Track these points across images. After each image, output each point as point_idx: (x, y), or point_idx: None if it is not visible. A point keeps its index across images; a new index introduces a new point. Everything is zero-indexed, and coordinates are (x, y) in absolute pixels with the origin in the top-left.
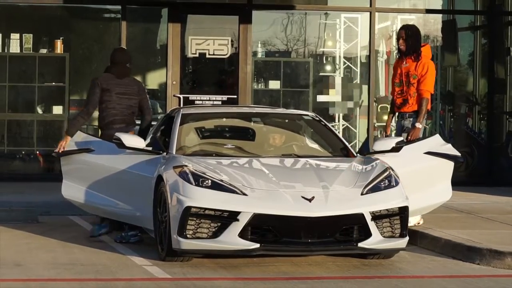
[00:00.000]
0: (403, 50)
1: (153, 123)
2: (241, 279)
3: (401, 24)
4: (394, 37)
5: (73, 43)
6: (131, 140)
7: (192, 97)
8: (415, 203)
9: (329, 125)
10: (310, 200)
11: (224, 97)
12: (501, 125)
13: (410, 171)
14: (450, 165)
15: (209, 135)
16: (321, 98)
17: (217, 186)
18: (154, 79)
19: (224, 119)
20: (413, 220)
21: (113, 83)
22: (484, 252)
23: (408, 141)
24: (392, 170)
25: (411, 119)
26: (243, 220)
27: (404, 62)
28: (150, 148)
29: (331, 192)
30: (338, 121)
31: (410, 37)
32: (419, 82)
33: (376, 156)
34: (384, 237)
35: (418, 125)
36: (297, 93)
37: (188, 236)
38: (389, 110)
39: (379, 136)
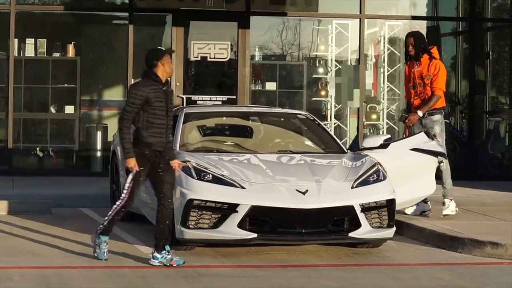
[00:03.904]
0: (413, 55)
1: None
2: (240, 267)
3: (388, 29)
4: (382, 42)
5: (84, 47)
6: None
7: (194, 97)
8: (401, 196)
9: (322, 123)
10: (304, 193)
11: (224, 98)
12: (481, 123)
13: (397, 166)
14: (434, 161)
15: (210, 132)
16: (314, 98)
17: (217, 180)
18: None
19: (224, 118)
20: (451, 208)
21: None
22: (466, 242)
23: (407, 135)
24: (380, 165)
25: (431, 117)
26: (242, 211)
27: (416, 66)
28: None
29: (324, 186)
30: (330, 119)
31: (418, 42)
32: (431, 81)
33: (366, 152)
34: (372, 227)
35: (419, 112)
36: (292, 93)
37: (190, 226)
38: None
39: (368, 134)
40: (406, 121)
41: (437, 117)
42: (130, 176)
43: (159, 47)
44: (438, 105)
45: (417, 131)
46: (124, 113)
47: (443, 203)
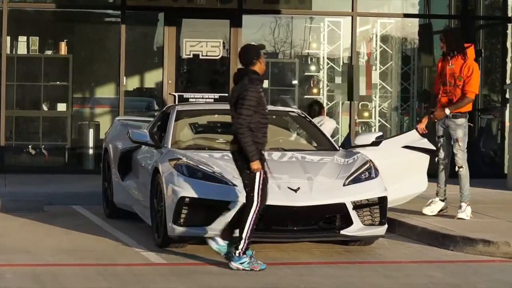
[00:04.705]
0: (444, 51)
1: (150, 119)
2: None
3: (380, 27)
4: (374, 39)
5: (76, 45)
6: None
7: (186, 95)
8: (393, 194)
9: (314, 121)
10: (295, 190)
11: (216, 95)
12: (473, 121)
13: (389, 164)
14: (426, 158)
15: (202, 130)
16: (306, 96)
17: (209, 177)
18: (151, 79)
19: (216, 116)
20: (467, 213)
21: None
22: (458, 239)
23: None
24: (372, 162)
25: (456, 120)
26: (234, 209)
27: (450, 64)
28: (152, 142)
29: (315, 183)
30: None
31: (449, 40)
32: (464, 83)
33: (357, 149)
34: (364, 225)
35: (446, 110)
36: (284, 91)
37: (182, 224)
38: (429, 104)
39: (360, 131)
40: (431, 115)
41: (461, 120)
42: (258, 179)
43: (253, 43)
44: (464, 108)
45: (440, 131)
46: (243, 117)
47: (460, 207)
